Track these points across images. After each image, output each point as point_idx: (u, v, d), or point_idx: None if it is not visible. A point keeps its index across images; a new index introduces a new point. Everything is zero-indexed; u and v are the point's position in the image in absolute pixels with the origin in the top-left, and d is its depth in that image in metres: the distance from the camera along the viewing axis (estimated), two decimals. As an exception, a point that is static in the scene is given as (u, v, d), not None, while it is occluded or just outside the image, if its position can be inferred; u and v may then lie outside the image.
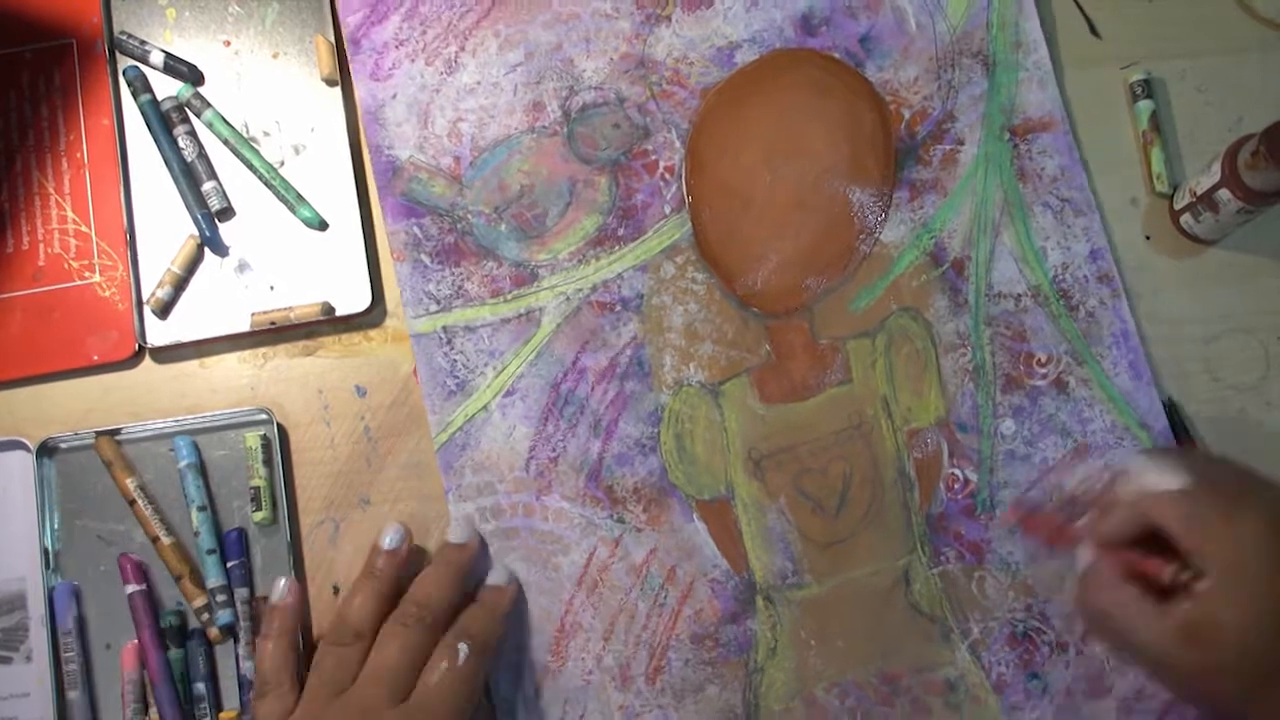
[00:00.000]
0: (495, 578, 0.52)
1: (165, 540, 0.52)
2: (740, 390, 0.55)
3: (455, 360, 0.55)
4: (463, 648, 0.47)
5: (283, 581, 0.51)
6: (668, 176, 0.57)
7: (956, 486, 0.54)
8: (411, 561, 0.52)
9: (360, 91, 0.57)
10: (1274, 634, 0.41)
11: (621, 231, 0.56)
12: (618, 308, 0.55)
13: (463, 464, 0.54)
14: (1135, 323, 0.55)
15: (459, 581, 0.51)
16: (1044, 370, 0.55)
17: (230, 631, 0.52)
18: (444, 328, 0.55)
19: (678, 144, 0.57)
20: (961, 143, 0.57)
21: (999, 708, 0.52)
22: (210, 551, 0.53)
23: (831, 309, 0.56)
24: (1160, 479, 0.45)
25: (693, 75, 0.58)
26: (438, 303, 0.55)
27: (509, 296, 0.55)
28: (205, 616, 0.52)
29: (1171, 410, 0.55)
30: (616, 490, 0.54)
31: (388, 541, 0.51)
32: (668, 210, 0.56)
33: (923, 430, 0.54)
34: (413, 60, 0.57)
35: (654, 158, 0.57)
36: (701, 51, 0.58)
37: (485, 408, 0.54)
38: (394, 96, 0.57)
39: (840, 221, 0.56)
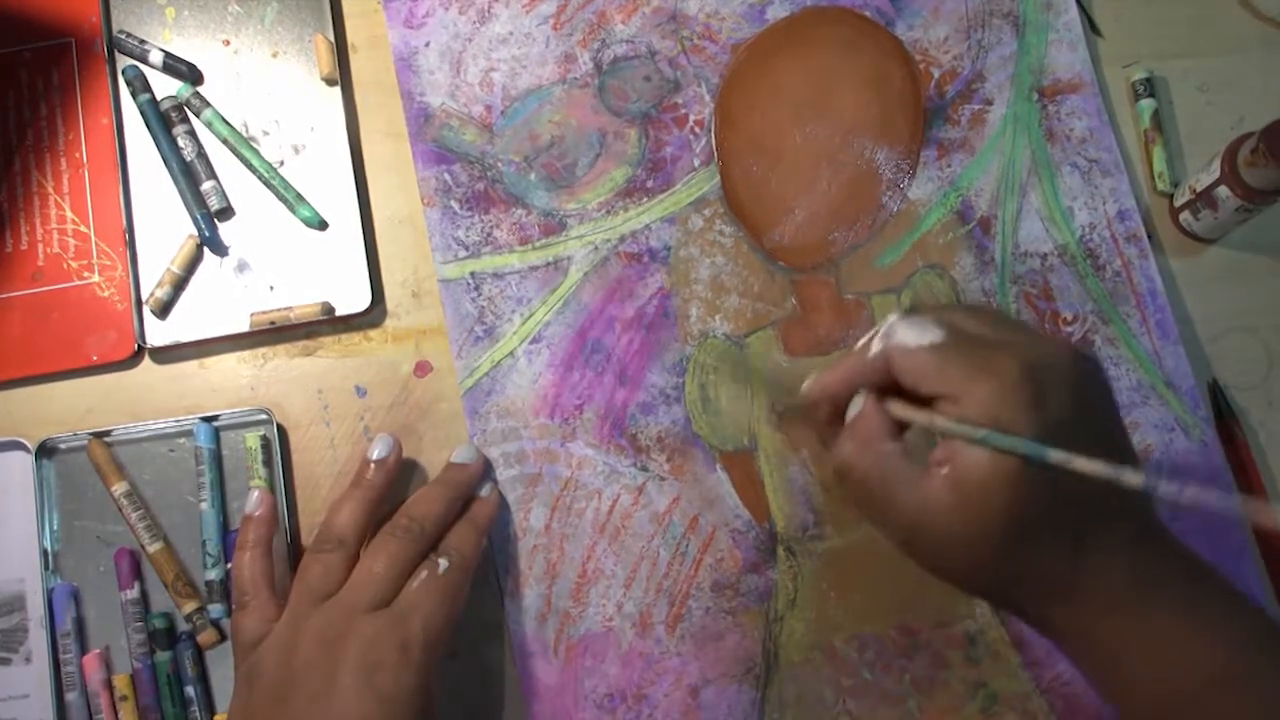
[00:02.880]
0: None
1: (151, 548, 0.52)
2: (765, 343, 0.55)
3: (483, 306, 0.55)
4: (442, 561, 0.48)
5: (255, 493, 0.50)
6: (697, 130, 0.57)
7: (980, 443, 0.54)
8: (401, 473, 0.52)
9: (393, 38, 0.57)
10: (1032, 490, 0.36)
11: (650, 183, 0.56)
12: (645, 259, 0.56)
13: (488, 409, 0.54)
14: (1164, 283, 0.55)
15: (456, 500, 0.51)
16: (1070, 329, 0.55)
17: (221, 631, 0.52)
18: (472, 274, 0.55)
19: (708, 98, 0.57)
20: (990, 103, 0.57)
21: (1018, 662, 0.52)
22: (210, 548, 0.52)
23: (857, 265, 0.56)
24: (911, 335, 0.40)
25: (724, 30, 0.58)
26: (466, 249, 0.55)
27: (537, 245, 0.56)
28: (198, 621, 0.52)
29: (1215, 393, 0.55)
30: (640, 439, 0.54)
31: (376, 452, 0.51)
32: (697, 164, 0.57)
33: (947, 386, 0.54)
34: (446, 9, 0.58)
35: (684, 111, 0.57)
36: (733, 7, 0.58)
37: (512, 354, 0.54)
38: (427, 44, 0.57)
39: (867, 178, 0.57)
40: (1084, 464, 0.35)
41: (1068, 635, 0.40)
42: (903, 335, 0.40)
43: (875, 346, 0.41)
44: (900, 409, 0.40)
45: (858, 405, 0.41)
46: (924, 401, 0.39)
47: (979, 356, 0.38)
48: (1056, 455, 0.35)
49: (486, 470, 0.53)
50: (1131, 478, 0.35)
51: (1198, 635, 0.38)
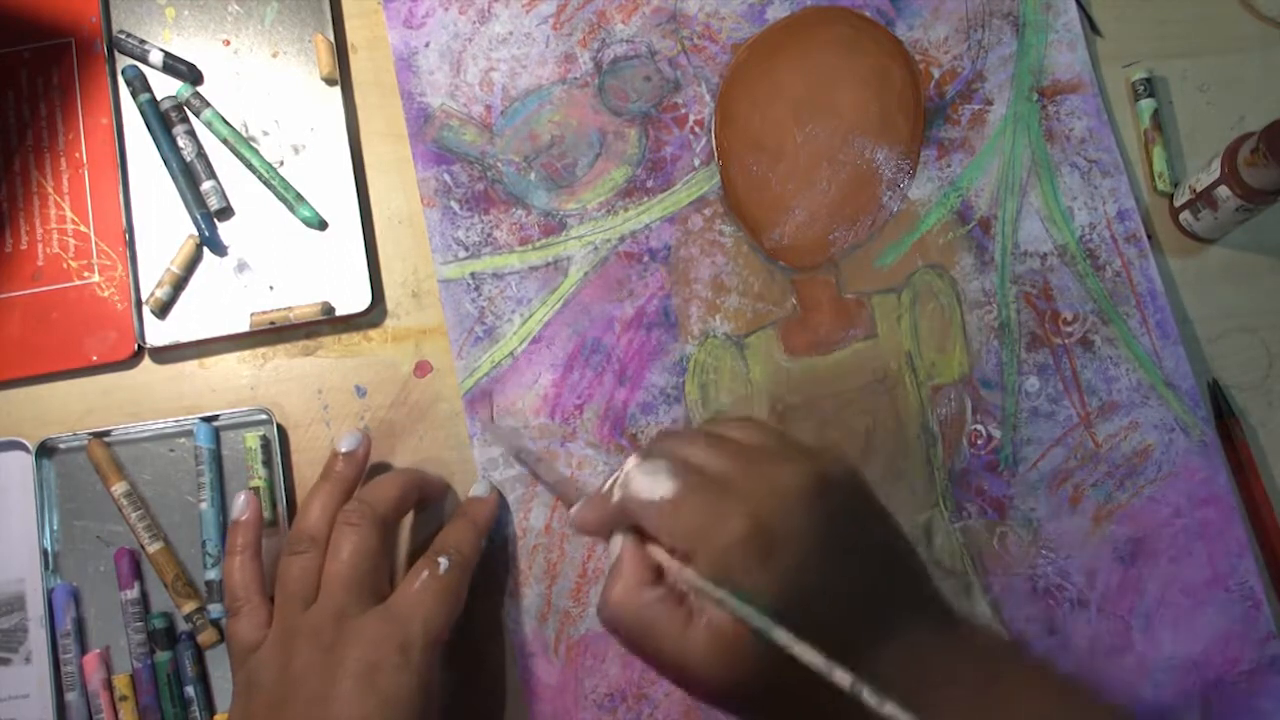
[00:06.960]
0: (477, 490, 0.52)
1: (151, 548, 0.52)
2: (765, 343, 0.55)
3: (483, 306, 0.55)
4: (442, 561, 0.47)
5: (240, 497, 0.50)
6: (697, 130, 0.57)
7: (980, 443, 0.54)
8: (370, 467, 0.52)
9: (393, 38, 0.57)
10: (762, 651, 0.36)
11: (650, 183, 0.56)
12: (645, 258, 0.56)
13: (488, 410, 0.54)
14: (1164, 283, 0.55)
15: (409, 488, 0.51)
16: (1070, 329, 0.55)
17: (221, 631, 0.52)
18: (472, 274, 0.55)
19: (708, 98, 0.57)
20: (990, 103, 0.57)
21: (1019, 662, 0.52)
22: (210, 548, 0.52)
23: (858, 264, 0.56)
24: (645, 487, 0.39)
25: (724, 30, 0.58)
26: (466, 249, 0.55)
27: (537, 245, 0.56)
28: (198, 621, 0.52)
29: (1215, 393, 0.55)
30: (641, 439, 0.54)
31: (345, 445, 0.50)
32: (697, 163, 0.57)
33: (946, 386, 0.55)
34: (446, 9, 0.58)
35: (684, 111, 0.57)
36: (733, 7, 0.58)
37: (512, 354, 0.54)
38: (427, 44, 0.57)
39: (868, 178, 0.57)
40: (803, 652, 0.35)
41: None
42: (637, 486, 0.39)
43: (615, 495, 0.40)
44: (659, 554, 0.39)
45: (616, 547, 0.40)
46: None
47: (709, 510, 0.37)
48: (781, 636, 0.35)
49: (484, 468, 0.53)
50: (841, 678, 0.34)
51: None
